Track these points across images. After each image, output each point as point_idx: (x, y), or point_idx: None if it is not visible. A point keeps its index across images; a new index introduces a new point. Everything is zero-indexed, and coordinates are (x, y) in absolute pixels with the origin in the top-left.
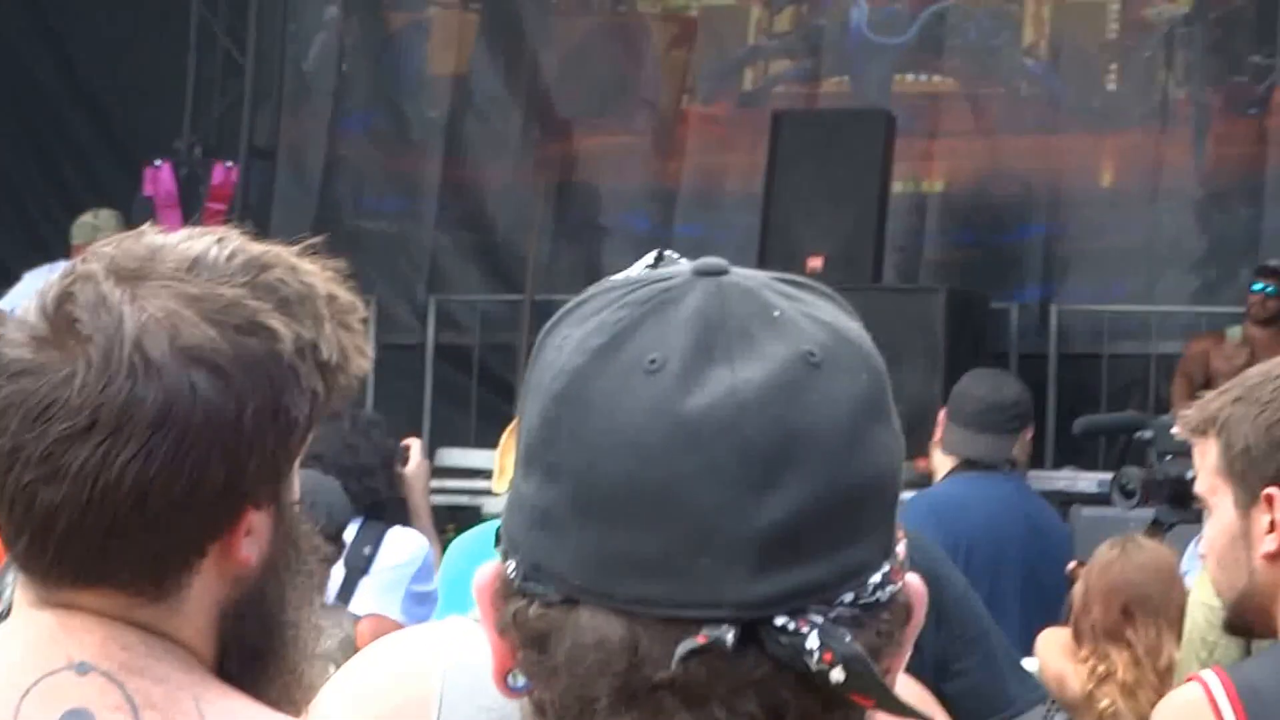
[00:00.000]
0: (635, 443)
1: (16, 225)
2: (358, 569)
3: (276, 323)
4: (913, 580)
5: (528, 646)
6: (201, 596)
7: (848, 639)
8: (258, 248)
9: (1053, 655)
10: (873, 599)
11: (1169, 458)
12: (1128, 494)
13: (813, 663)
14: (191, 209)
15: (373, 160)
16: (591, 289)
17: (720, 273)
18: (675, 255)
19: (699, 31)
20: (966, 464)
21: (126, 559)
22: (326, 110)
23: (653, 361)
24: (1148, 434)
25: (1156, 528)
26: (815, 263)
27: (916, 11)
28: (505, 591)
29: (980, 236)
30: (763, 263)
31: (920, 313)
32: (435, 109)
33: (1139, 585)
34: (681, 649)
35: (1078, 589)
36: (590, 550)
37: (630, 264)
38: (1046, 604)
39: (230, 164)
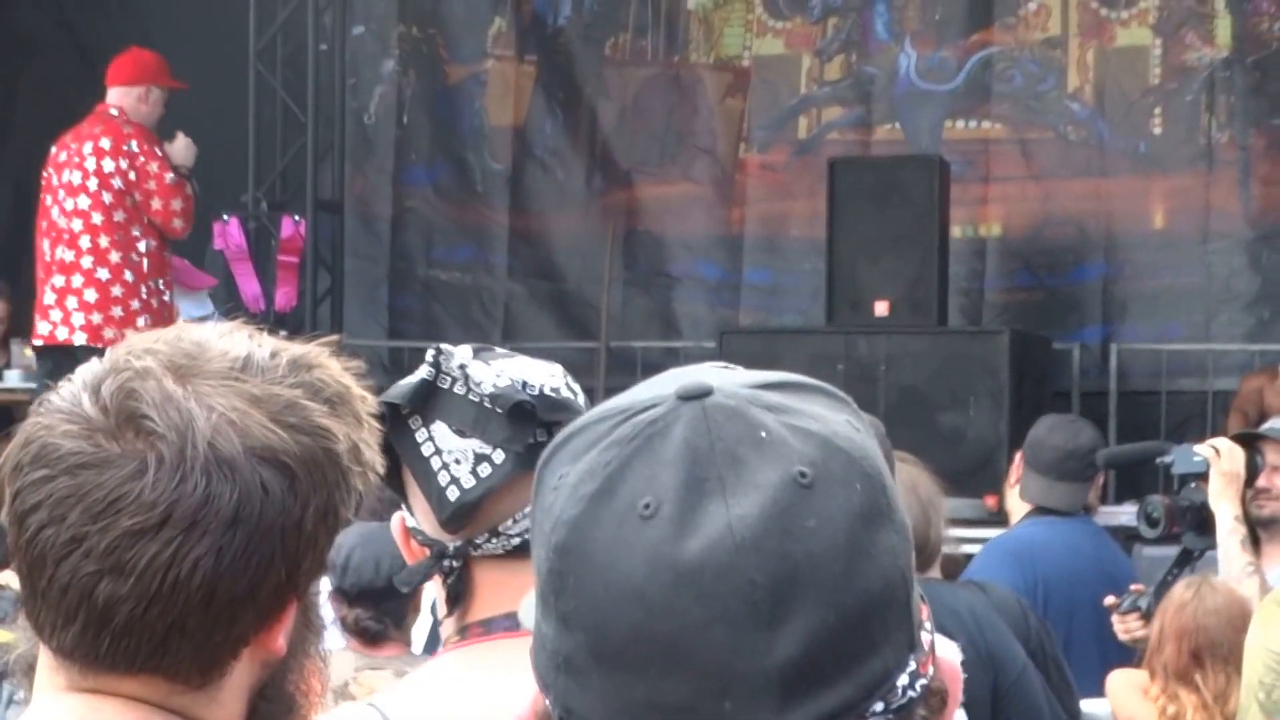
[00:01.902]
0: (640, 595)
1: None
2: None
3: (331, 424)
4: (944, 660)
5: None
6: (236, 683)
7: None
8: (295, 347)
9: (1124, 696)
10: (904, 700)
11: (1193, 485)
12: (1152, 522)
13: None
14: (263, 262)
15: (440, 211)
16: (583, 417)
17: (703, 394)
18: (451, 350)
19: (752, 81)
20: (1042, 509)
21: (183, 652)
22: (389, 163)
23: (647, 506)
24: (1169, 459)
25: (1186, 556)
26: (882, 307)
27: (963, 59)
28: None
29: (1040, 279)
30: (831, 309)
31: (985, 354)
32: (498, 160)
33: (1210, 631)
34: None
35: (1154, 627)
36: (615, 699)
37: (702, 309)
38: (1121, 645)
39: (298, 218)
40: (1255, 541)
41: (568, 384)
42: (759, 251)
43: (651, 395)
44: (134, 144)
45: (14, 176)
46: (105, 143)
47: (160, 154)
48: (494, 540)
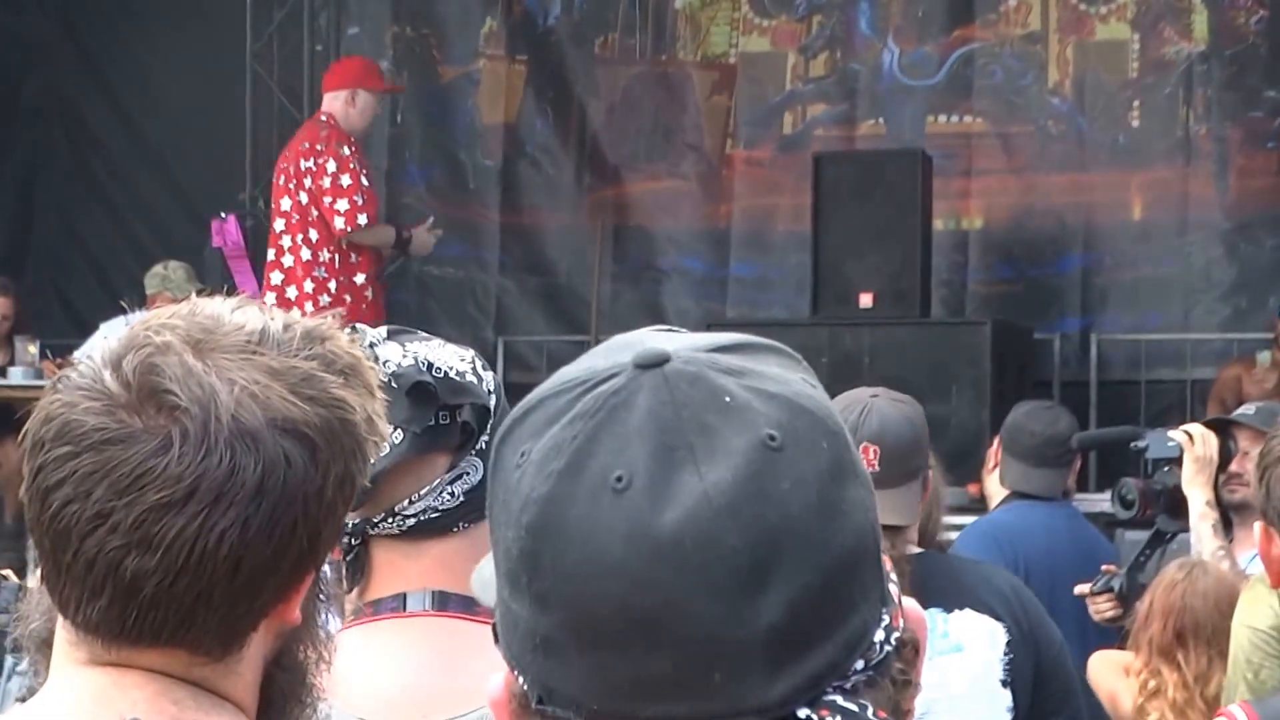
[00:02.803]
0: (620, 569)
1: (92, 279)
2: None
3: (346, 395)
4: (911, 610)
5: None
6: (253, 654)
7: (869, 711)
8: (306, 320)
9: (1105, 675)
10: (882, 655)
11: (1166, 468)
12: (1126, 504)
13: None
14: (260, 259)
15: (433, 209)
16: (537, 392)
17: (661, 362)
18: (365, 329)
19: (738, 78)
20: (1020, 494)
21: (209, 623)
22: (384, 161)
23: (619, 479)
24: (1143, 444)
25: (1158, 538)
26: (866, 299)
27: (945, 55)
28: (524, 711)
29: (1020, 270)
30: (817, 301)
31: (968, 344)
32: (490, 158)
33: (1196, 612)
34: None
35: (1144, 603)
36: (599, 677)
37: (689, 303)
38: (1101, 627)
39: None
40: (1228, 525)
41: (476, 369)
42: (745, 246)
43: (608, 365)
44: (323, 145)
45: (18, 178)
46: (305, 144)
47: (346, 154)
48: (390, 520)
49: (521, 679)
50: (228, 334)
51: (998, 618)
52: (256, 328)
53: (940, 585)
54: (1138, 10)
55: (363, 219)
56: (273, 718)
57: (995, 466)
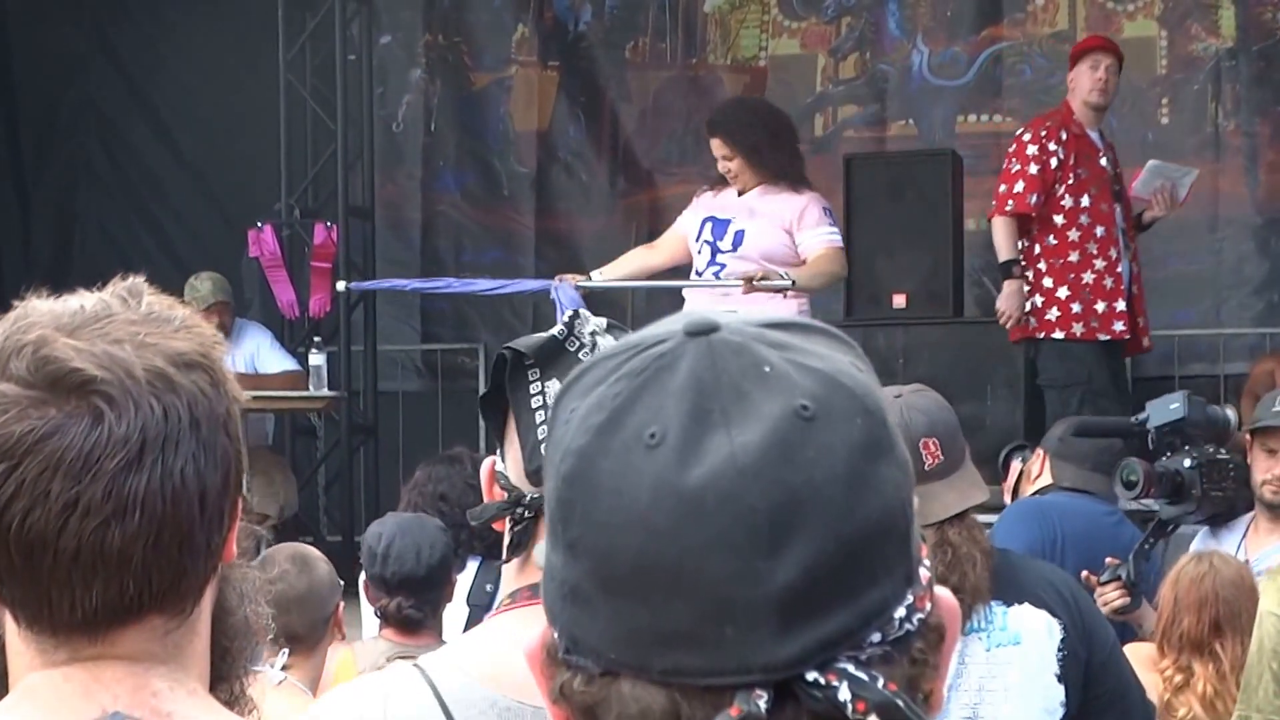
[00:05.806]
0: (644, 521)
1: None
2: (481, 606)
3: (200, 324)
4: (943, 597)
5: (578, 717)
6: (207, 604)
7: (879, 683)
8: (110, 288)
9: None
10: (901, 632)
11: (1168, 453)
12: (1129, 485)
13: (849, 713)
14: (296, 267)
15: (468, 215)
16: (594, 356)
17: (710, 330)
18: (588, 317)
19: (768, 80)
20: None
21: (195, 571)
22: (418, 169)
23: (652, 436)
24: (1143, 415)
25: (1161, 527)
26: (899, 300)
27: (974, 55)
28: (552, 661)
29: None
30: (850, 302)
31: (1001, 344)
32: (523, 164)
33: (1230, 602)
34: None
35: (1166, 600)
36: (619, 626)
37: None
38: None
39: (330, 224)
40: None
41: None
42: None
43: (660, 332)
44: (1030, 131)
45: (58, 193)
46: None
47: (1026, 139)
48: None
49: (554, 630)
50: (75, 315)
51: (1054, 614)
52: (90, 304)
53: (1002, 580)
54: (1165, 7)
55: (1006, 209)
56: (227, 668)
57: (1039, 477)
